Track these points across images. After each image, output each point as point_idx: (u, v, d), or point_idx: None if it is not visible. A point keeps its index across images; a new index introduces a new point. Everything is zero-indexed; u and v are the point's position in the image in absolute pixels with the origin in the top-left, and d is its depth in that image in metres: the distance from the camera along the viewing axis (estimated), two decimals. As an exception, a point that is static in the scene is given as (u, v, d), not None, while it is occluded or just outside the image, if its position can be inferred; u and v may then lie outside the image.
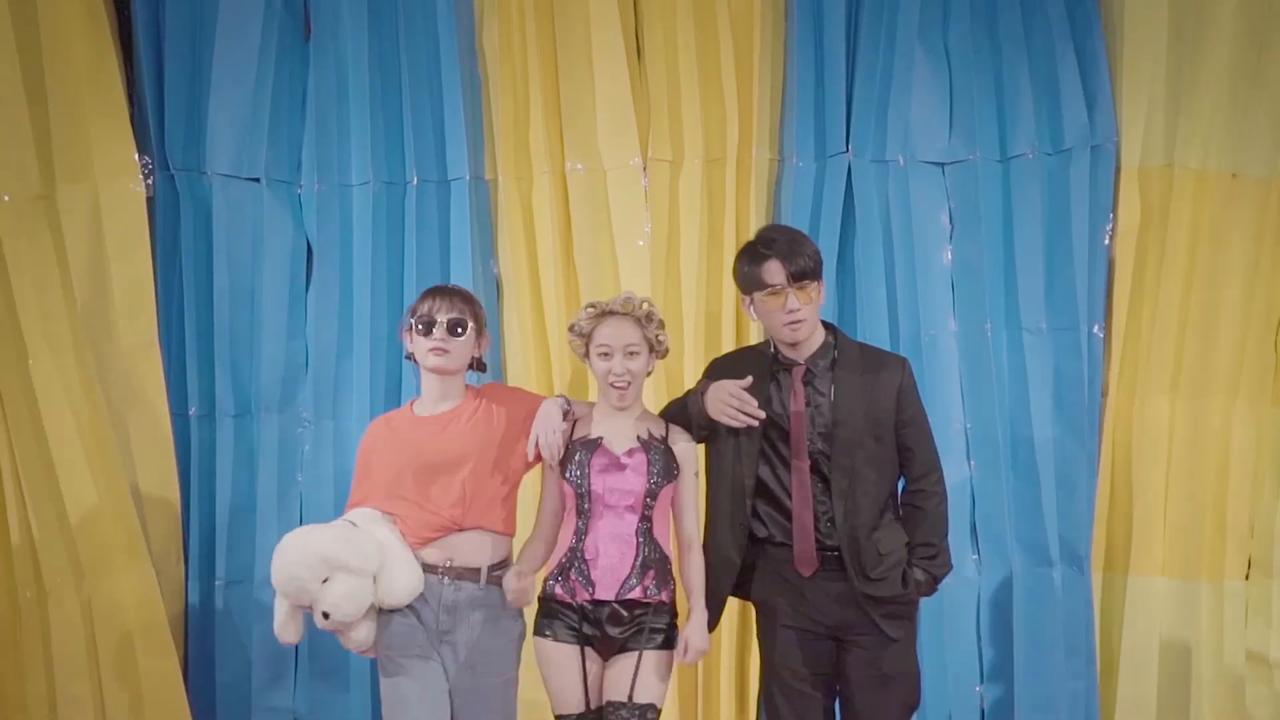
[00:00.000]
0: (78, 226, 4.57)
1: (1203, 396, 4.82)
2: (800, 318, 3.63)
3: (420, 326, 3.72)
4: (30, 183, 4.47)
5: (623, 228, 4.75)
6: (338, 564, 3.51)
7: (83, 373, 4.48)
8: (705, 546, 3.71)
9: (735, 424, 3.64)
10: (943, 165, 4.88)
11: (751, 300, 3.73)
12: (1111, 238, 4.82)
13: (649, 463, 3.60)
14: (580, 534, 3.61)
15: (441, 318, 3.71)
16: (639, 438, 3.65)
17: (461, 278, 4.65)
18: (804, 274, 3.63)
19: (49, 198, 4.52)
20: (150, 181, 4.72)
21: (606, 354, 3.64)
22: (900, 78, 4.81)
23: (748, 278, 3.69)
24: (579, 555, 3.61)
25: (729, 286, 4.74)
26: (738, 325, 4.77)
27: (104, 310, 4.59)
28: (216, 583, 4.67)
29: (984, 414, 4.81)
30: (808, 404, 3.67)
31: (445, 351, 3.69)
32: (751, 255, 3.71)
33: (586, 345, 3.70)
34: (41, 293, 4.47)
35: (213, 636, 4.67)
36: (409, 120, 4.81)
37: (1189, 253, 4.82)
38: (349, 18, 4.77)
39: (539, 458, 3.71)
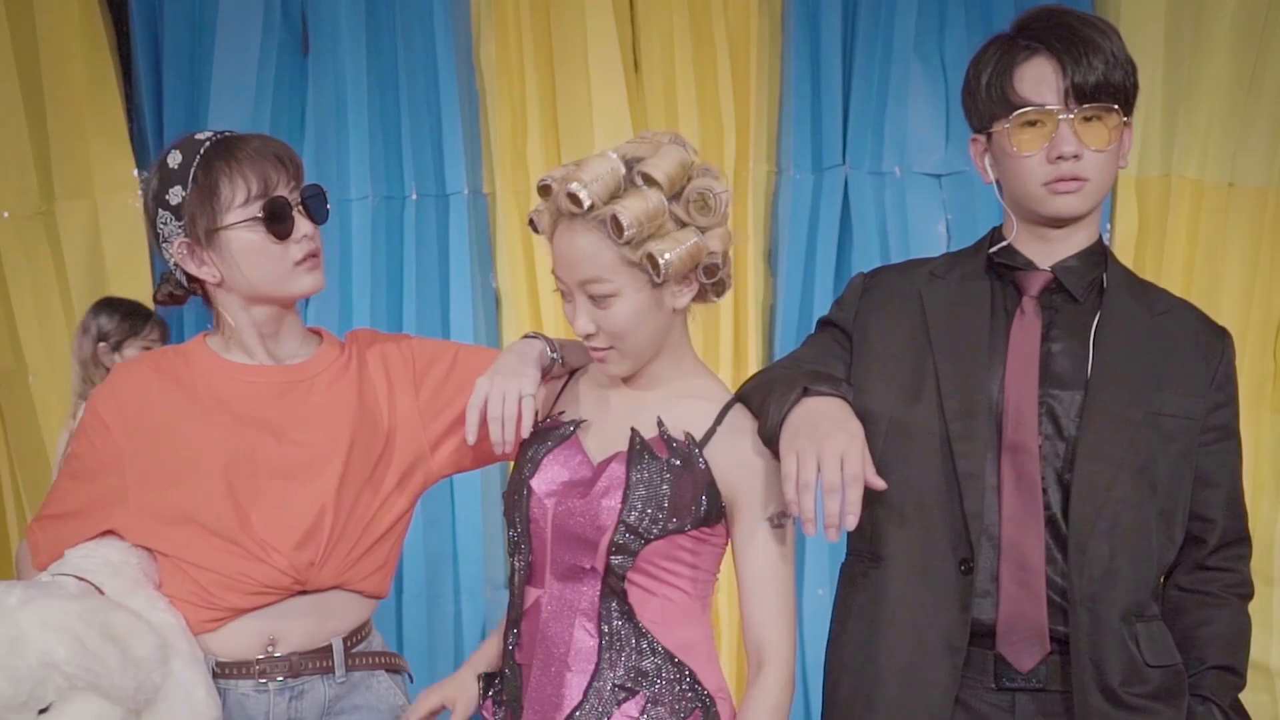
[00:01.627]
0: (77, 242, 4.58)
1: (1201, 405, 4.82)
2: (1080, 173, 2.04)
3: (274, 224, 2.06)
4: (30, 199, 4.49)
5: (620, 240, 4.76)
6: (84, 680, 1.80)
7: (83, 388, 4.48)
8: (840, 664, 2.11)
9: (792, 502, 1.88)
10: (939, 177, 4.88)
11: (990, 139, 2.09)
12: (1109, 247, 4.83)
13: (630, 478, 1.95)
14: (514, 610, 2.07)
15: (292, 195, 2.09)
16: (637, 432, 2.00)
17: (461, 292, 4.67)
18: (1100, 90, 2.03)
19: (48, 214, 4.54)
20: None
21: (565, 294, 2.06)
22: (896, 90, 4.82)
23: (992, 89, 2.08)
24: (510, 654, 2.08)
25: (726, 299, 4.74)
26: (735, 338, 4.77)
27: (104, 326, 4.60)
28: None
29: (983, 424, 4.81)
30: (1044, 349, 2.03)
31: (318, 256, 2.10)
32: (1003, 48, 2.12)
33: None
34: (41, 308, 4.48)
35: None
36: (407, 135, 4.82)
37: (1186, 262, 4.83)
38: (347, 33, 4.79)
39: (485, 451, 2.11)
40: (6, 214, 4.45)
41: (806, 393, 1.94)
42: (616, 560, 1.95)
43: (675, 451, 1.98)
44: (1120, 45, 2.07)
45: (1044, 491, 1.98)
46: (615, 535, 1.94)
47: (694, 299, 2.06)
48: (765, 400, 1.99)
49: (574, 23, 4.78)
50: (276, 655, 2.05)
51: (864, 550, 2.10)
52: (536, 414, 2.08)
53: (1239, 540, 2.21)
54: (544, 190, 2.07)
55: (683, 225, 1.98)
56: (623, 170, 1.96)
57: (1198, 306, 2.23)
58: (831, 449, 1.84)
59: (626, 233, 1.93)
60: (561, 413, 2.12)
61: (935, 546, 2.00)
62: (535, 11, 4.79)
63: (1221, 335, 2.22)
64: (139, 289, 4.63)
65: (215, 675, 2.02)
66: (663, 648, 1.98)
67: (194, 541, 2.01)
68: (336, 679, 2.09)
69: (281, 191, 2.08)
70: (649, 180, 1.95)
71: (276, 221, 2.07)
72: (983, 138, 2.13)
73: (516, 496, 2.04)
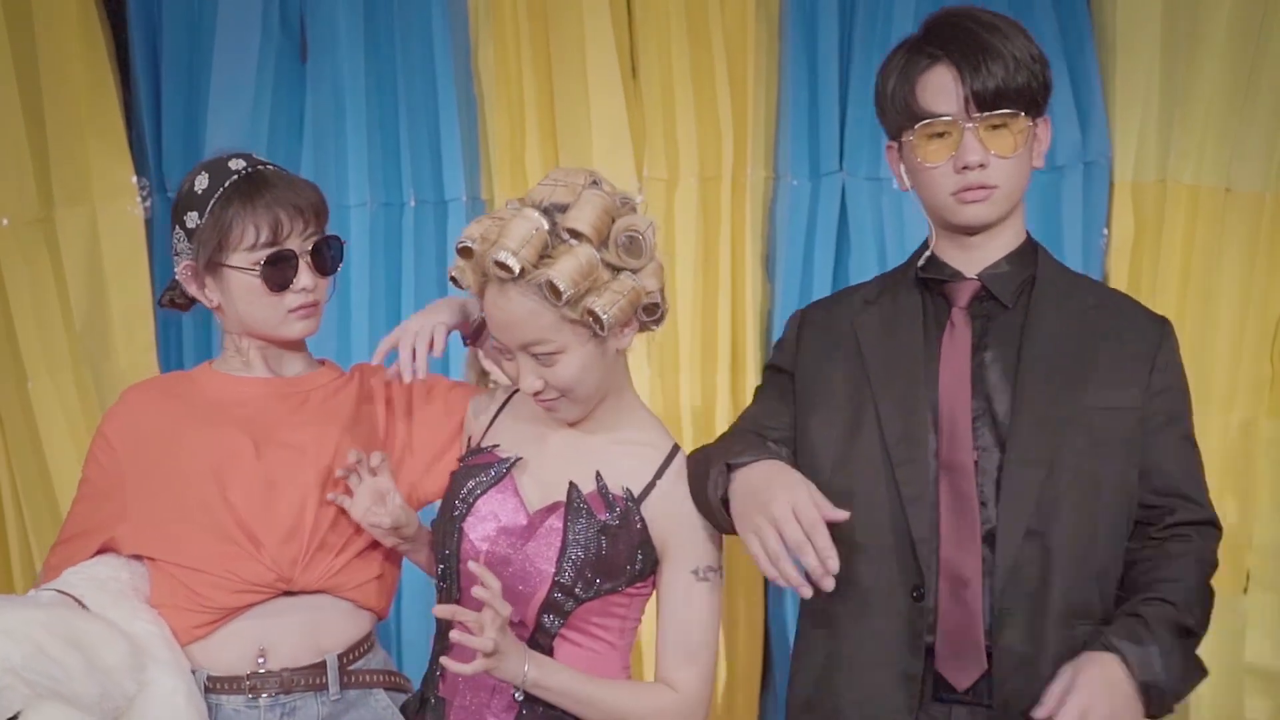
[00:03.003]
0: (76, 249, 4.58)
1: (1199, 411, 4.71)
2: (987, 180, 2.03)
3: (273, 277, 2.14)
4: (28, 206, 4.49)
5: (618, 246, 4.76)
6: (44, 687, 1.80)
7: (82, 394, 4.49)
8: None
9: (776, 578, 1.89)
10: (937, 182, 4.89)
11: (900, 148, 2.07)
12: (1105, 253, 4.84)
13: (566, 538, 1.93)
14: (440, 643, 2.09)
15: (300, 245, 2.18)
16: (575, 487, 1.99)
17: (459, 298, 4.67)
18: (1000, 96, 2.02)
19: (47, 221, 4.54)
20: (148, 204, 4.74)
21: (506, 354, 2.06)
22: (894, 95, 4.83)
23: (895, 99, 2.05)
24: (434, 682, 2.08)
25: (724, 305, 4.76)
26: (733, 346, 4.78)
27: (103, 332, 4.60)
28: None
29: (980, 429, 4.82)
30: (977, 360, 1.99)
31: (315, 306, 2.19)
32: (907, 56, 2.08)
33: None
34: (40, 315, 4.48)
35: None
36: (405, 141, 4.83)
37: (1183, 268, 4.84)
38: (345, 40, 4.79)
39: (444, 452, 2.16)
40: (5, 221, 4.46)
41: (731, 469, 1.93)
42: (547, 619, 1.97)
43: (613, 511, 1.99)
44: (1024, 45, 2.08)
45: (984, 505, 1.95)
46: (549, 595, 1.95)
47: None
48: (702, 485, 1.99)
49: (572, 28, 4.79)
50: (267, 670, 2.04)
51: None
52: (472, 441, 2.11)
53: (1199, 522, 2.06)
54: (465, 252, 2.02)
55: (616, 271, 1.98)
56: (546, 227, 1.94)
57: (1137, 299, 2.19)
58: (780, 510, 1.84)
59: (565, 295, 1.93)
60: (496, 445, 2.09)
61: (887, 575, 2.00)
62: (533, 17, 4.80)
63: (1160, 324, 2.15)
64: (138, 296, 4.64)
65: (206, 690, 2.04)
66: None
67: (184, 542, 2.06)
68: (330, 696, 2.09)
69: (292, 242, 2.15)
70: (575, 235, 1.93)
71: (276, 273, 2.14)
72: (895, 145, 2.13)
73: (446, 535, 2.03)
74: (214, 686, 2.05)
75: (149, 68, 4.78)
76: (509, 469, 2.02)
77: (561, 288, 1.92)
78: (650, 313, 2.07)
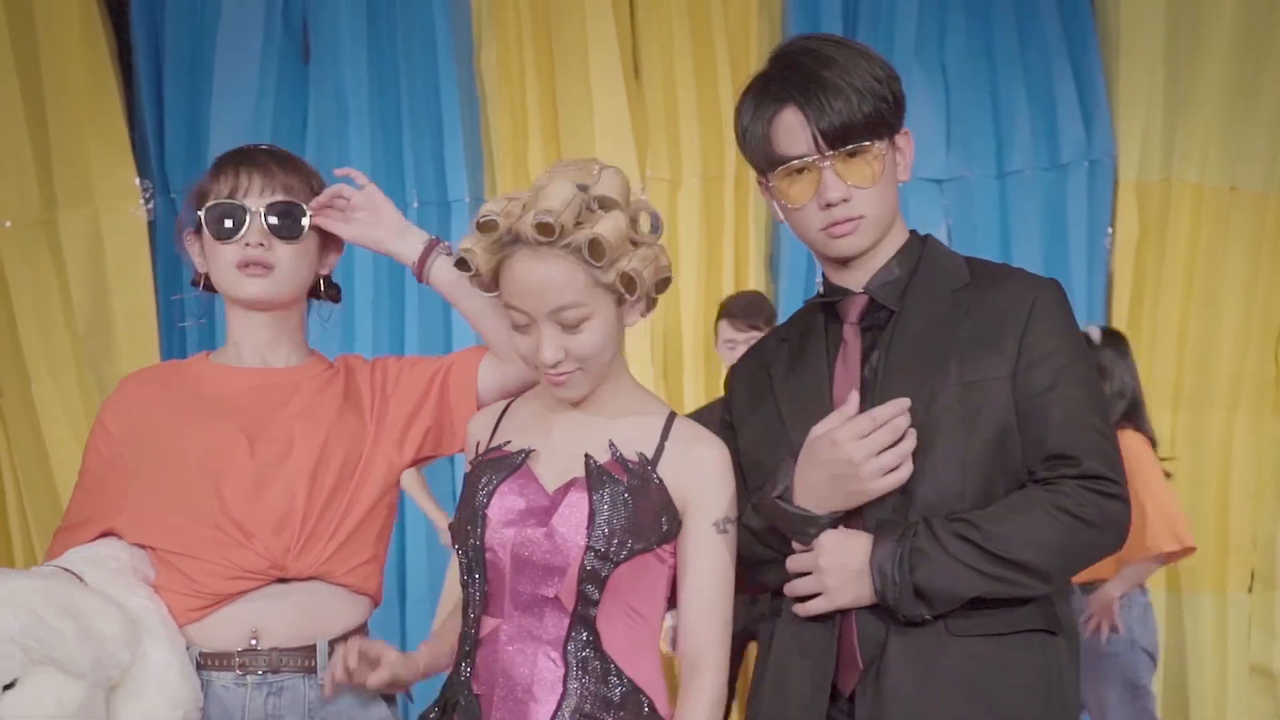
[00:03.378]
0: (79, 251, 4.58)
1: (1203, 409, 4.83)
2: (851, 213, 2.00)
3: (214, 224, 2.14)
4: (32, 208, 4.49)
5: (622, 247, 4.77)
6: (39, 653, 1.82)
7: (84, 396, 4.49)
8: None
9: (906, 472, 1.90)
10: (940, 182, 4.89)
11: (769, 188, 2.08)
12: (1110, 252, 4.84)
13: (594, 505, 1.93)
14: (469, 642, 2.01)
15: (256, 203, 2.13)
16: (591, 458, 1.98)
17: (462, 298, 4.67)
18: (848, 130, 1.98)
19: (50, 222, 4.54)
20: (151, 205, 4.74)
21: (524, 326, 1.98)
22: (897, 95, 4.83)
23: (751, 141, 2.09)
24: (464, 684, 2.01)
25: (729, 304, 4.76)
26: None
27: (106, 333, 4.60)
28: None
29: (985, 429, 4.82)
30: (866, 368, 2.03)
31: (267, 267, 2.13)
32: (756, 99, 2.10)
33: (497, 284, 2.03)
34: (43, 317, 4.48)
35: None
36: (409, 143, 4.82)
37: (1188, 266, 4.84)
38: (348, 40, 4.79)
39: (445, 420, 2.19)
40: (8, 223, 4.46)
41: (769, 495, 1.97)
42: (588, 589, 1.93)
43: (632, 473, 1.97)
44: (864, 71, 2.01)
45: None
46: (585, 563, 1.93)
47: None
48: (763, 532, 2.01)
49: (574, 29, 4.79)
50: (258, 649, 2.05)
51: (765, 604, 2.13)
52: (480, 448, 2.10)
53: (1075, 476, 1.92)
54: (486, 226, 1.96)
55: (635, 245, 1.98)
56: (581, 196, 1.95)
57: (1026, 270, 2.10)
58: (851, 448, 1.91)
59: (607, 254, 1.93)
60: (507, 442, 2.07)
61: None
62: (536, 18, 4.80)
63: (1033, 288, 2.02)
64: (141, 297, 4.64)
65: (198, 667, 2.04)
66: (628, 677, 1.95)
67: (180, 532, 2.06)
68: (319, 680, 2.06)
69: (249, 200, 2.14)
70: (606, 203, 1.95)
71: (215, 223, 2.14)
72: (764, 180, 2.10)
73: (469, 526, 2.00)
74: (205, 663, 2.05)
75: (151, 69, 4.78)
76: (524, 459, 2.03)
77: (606, 247, 1.92)
78: (660, 288, 2.06)
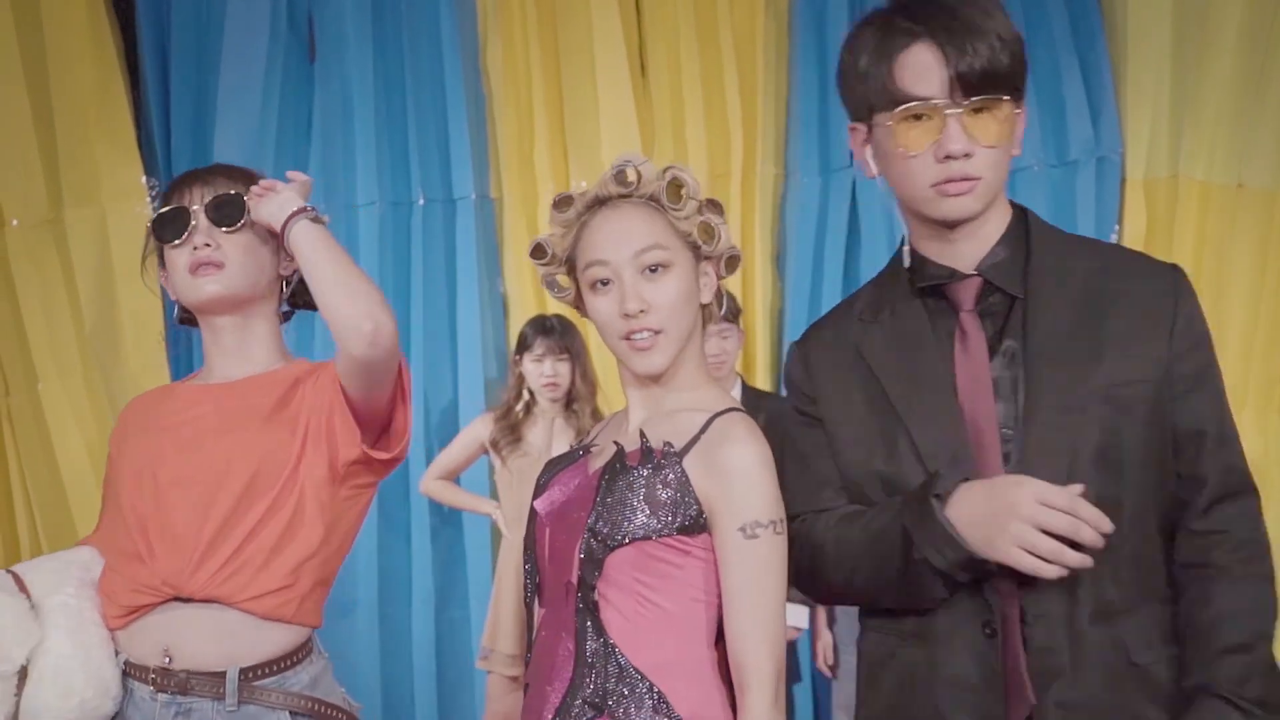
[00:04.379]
0: (86, 250, 4.58)
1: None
2: (970, 171, 1.82)
3: (160, 231, 2.19)
4: (38, 207, 4.49)
5: (628, 244, 4.76)
6: None
7: (91, 395, 4.49)
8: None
9: (1063, 573, 1.73)
10: (948, 179, 4.88)
11: (870, 136, 1.90)
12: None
13: (601, 487, 1.90)
14: (530, 633, 2.09)
15: (198, 204, 2.17)
16: (619, 445, 1.94)
17: (468, 297, 4.66)
18: (986, 79, 1.80)
19: (57, 222, 4.54)
20: (157, 204, 4.74)
21: (604, 285, 1.95)
22: (904, 92, 4.82)
23: (870, 78, 1.86)
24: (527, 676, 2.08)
25: (735, 302, 4.76)
26: (744, 346, 4.77)
27: (112, 333, 4.60)
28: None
29: (992, 427, 4.81)
30: (996, 360, 1.87)
31: (218, 265, 2.14)
32: (881, 31, 1.87)
33: (574, 281, 2.03)
34: (50, 316, 4.48)
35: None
36: (414, 140, 4.82)
37: (1195, 263, 4.82)
38: (354, 39, 4.79)
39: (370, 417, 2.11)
40: (15, 222, 4.46)
41: (925, 513, 1.78)
42: (588, 572, 1.90)
43: (650, 460, 1.91)
44: (1006, 23, 1.83)
45: None
46: (583, 544, 1.90)
47: (704, 314, 2.03)
48: (902, 546, 1.81)
49: (580, 27, 4.79)
50: (171, 667, 2.05)
51: (889, 627, 1.94)
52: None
53: (1235, 494, 1.85)
54: (564, 202, 2.01)
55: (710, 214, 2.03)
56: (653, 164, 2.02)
57: (1146, 254, 2.00)
58: (1029, 509, 1.72)
59: (685, 196, 1.95)
60: (584, 440, 2.14)
61: (958, 613, 1.83)
62: (541, 16, 4.80)
63: (1171, 274, 1.90)
64: (148, 297, 4.63)
65: (124, 674, 2.09)
66: (633, 667, 1.89)
67: (112, 545, 2.15)
68: (226, 707, 2.04)
69: (191, 203, 2.17)
70: (678, 176, 1.99)
71: (161, 230, 2.18)
72: (862, 127, 1.91)
73: (529, 523, 2.06)
74: (129, 671, 2.10)
75: (157, 68, 4.78)
76: (583, 453, 2.05)
77: (685, 185, 1.95)
78: (731, 267, 2.05)
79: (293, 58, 4.84)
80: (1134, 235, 4.81)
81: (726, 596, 1.90)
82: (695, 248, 1.97)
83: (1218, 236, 4.82)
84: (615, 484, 1.91)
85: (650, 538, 1.89)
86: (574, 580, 1.92)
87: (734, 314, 4.22)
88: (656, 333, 1.93)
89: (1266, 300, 4.86)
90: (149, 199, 4.67)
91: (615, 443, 1.95)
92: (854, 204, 4.82)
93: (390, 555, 4.70)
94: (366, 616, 4.65)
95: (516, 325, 4.80)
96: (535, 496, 2.04)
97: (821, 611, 4.37)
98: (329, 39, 4.82)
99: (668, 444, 1.92)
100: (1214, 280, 4.81)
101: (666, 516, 1.89)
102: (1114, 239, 4.81)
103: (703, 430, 1.93)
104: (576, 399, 4.22)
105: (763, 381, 4.74)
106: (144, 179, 4.69)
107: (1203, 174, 4.81)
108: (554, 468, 2.06)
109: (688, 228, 1.95)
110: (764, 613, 1.89)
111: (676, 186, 1.94)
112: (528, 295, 4.79)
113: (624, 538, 1.89)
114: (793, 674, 4.73)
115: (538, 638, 2.01)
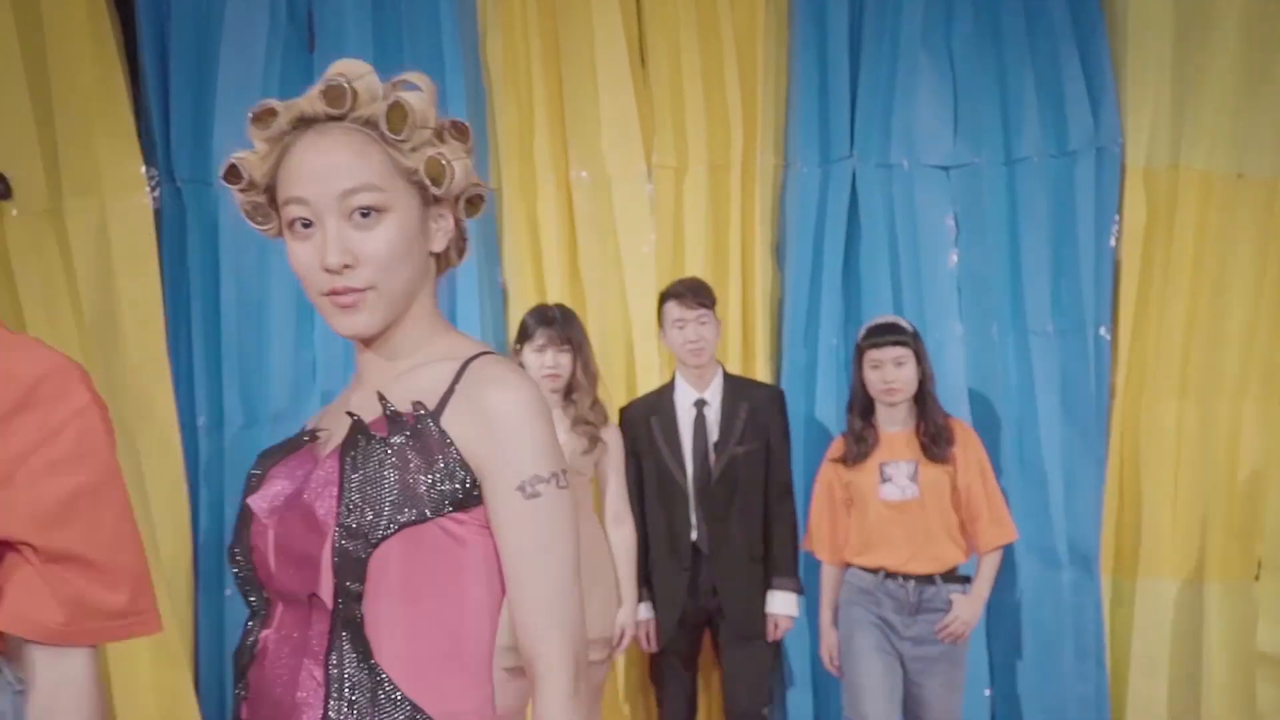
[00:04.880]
0: (85, 240, 4.58)
1: (1210, 398, 4.81)
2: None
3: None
4: (38, 197, 4.49)
5: (628, 235, 4.76)
6: None
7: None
8: None
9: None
10: (947, 169, 4.88)
11: None
12: (1117, 240, 4.82)
13: (344, 472, 1.56)
14: (242, 657, 1.70)
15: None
16: (355, 416, 1.61)
17: (467, 287, 4.66)
18: None
19: (56, 212, 4.54)
20: (157, 194, 4.74)
21: (305, 229, 1.63)
22: (904, 82, 4.81)
23: None
24: (237, 709, 1.72)
25: (734, 293, 4.76)
26: (744, 331, 4.77)
27: (112, 323, 4.60)
28: (225, 593, 4.67)
29: (991, 417, 4.81)
30: None
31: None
32: None
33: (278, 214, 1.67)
34: (50, 306, 4.48)
35: (222, 646, 4.68)
36: (414, 131, 4.81)
37: (1195, 254, 4.82)
38: (353, 29, 4.78)
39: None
40: (15, 212, 4.46)
41: None
42: (347, 580, 1.53)
43: (400, 427, 1.56)
44: None
45: None
46: (337, 544, 1.52)
47: (439, 263, 1.72)
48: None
49: (580, 18, 4.78)
50: None
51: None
52: None
53: None
54: (265, 115, 1.63)
55: (442, 140, 1.66)
56: (377, 78, 1.63)
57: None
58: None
59: (409, 125, 1.59)
60: (311, 430, 1.72)
61: None
62: (541, 7, 4.79)
63: None
64: (147, 286, 4.64)
65: None
66: (409, 700, 1.53)
67: None
68: None
69: None
70: (408, 86, 1.64)
71: None
72: None
73: (238, 528, 1.66)
74: None
75: (157, 59, 4.77)
76: (308, 439, 1.68)
77: (409, 114, 1.58)
78: (473, 207, 1.73)
79: (292, 49, 4.83)
80: (1134, 226, 4.81)
81: (509, 571, 1.57)
82: (423, 187, 1.63)
83: (1218, 227, 4.82)
84: (364, 462, 1.54)
85: (419, 522, 1.54)
86: (323, 592, 1.54)
87: (710, 300, 4.20)
88: (363, 290, 1.60)
89: (1267, 291, 4.85)
90: (148, 189, 4.68)
91: (349, 413, 1.60)
92: (854, 195, 4.82)
93: None
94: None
95: (516, 316, 4.80)
96: (247, 493, 1.65)
97: (826, 608, 4.23)
98: (328, 31, 4.81)
99: (418, 404, 1.58)
100: (1215, 270, 4.81)
101: (434, 492, 1.54)
102: (1114, 230, 4.81)
103: (456, 380, 1.60)
104: (576, 389, 4.17)
105: (762, 372, 4.74)
106: (144, 169, 4.69)
107: (1203, 164, 4.81)
108: (270, 458, 1.67)
109: (413, 163, 1.60)
110: (555, 587, 1.57)
111: (400, 113, 1.58)
112: (527, 286, 4.79)
113: (389, 527, 1.53)
114: (787, 675, 4.73)
115: (257, 663, 1.64)
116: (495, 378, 1.58)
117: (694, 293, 4.22)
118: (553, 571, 1.57)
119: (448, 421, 1.57)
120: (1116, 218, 4.82)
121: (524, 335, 4.23)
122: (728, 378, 4.30)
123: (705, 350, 4.20)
